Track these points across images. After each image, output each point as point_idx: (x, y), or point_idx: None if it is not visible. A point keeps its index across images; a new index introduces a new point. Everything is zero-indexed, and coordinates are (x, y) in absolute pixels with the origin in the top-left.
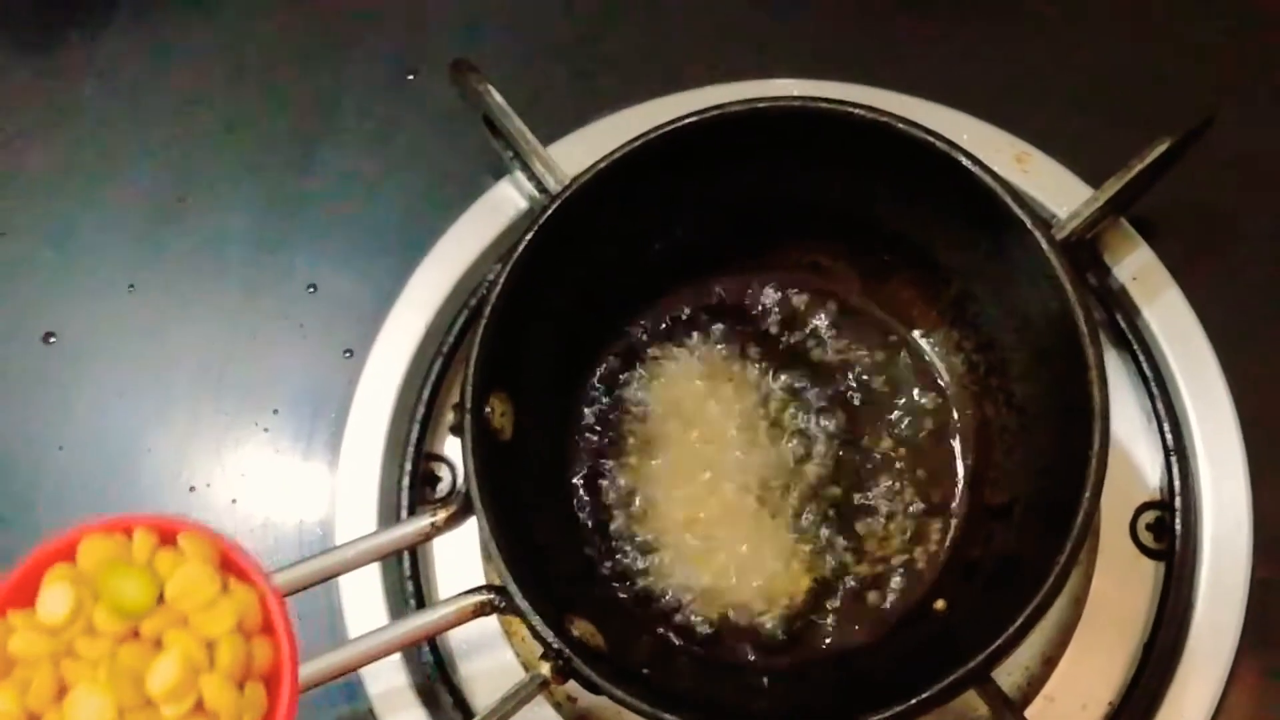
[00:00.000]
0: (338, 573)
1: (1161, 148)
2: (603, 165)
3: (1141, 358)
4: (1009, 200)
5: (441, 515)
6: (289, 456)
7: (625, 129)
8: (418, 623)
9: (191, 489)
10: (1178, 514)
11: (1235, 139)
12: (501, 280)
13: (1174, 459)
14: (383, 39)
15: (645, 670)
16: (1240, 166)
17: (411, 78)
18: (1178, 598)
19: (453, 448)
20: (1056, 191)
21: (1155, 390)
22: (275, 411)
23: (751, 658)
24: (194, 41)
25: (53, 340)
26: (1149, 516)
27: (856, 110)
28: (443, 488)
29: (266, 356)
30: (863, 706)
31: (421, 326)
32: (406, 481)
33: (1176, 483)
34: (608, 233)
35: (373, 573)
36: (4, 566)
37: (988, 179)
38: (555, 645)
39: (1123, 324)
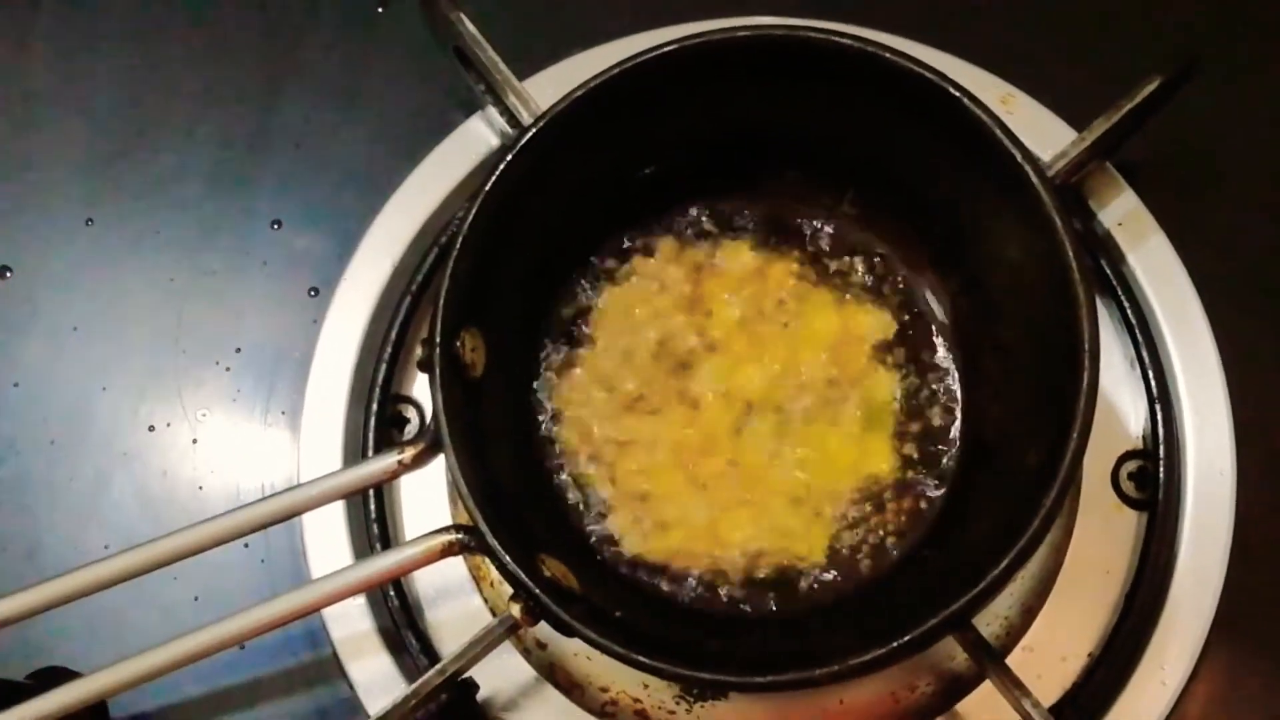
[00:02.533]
0: (301, 510)
1: (1151, 87)
2: (578, 94)
3: (1126, 304)
4: (998, 132)
5: (409, 453)
6: (251, 396)
7: (601, 65)
8: (384, 562)
9: (151, 429)
10: (1161, 463)
11: (1221, 86)
12: (474, 210)
13: (1157, 407)
14: None
15: (618, 614)
16: (1227, 113)
17: (381, 10)
18: (1160, 548)
19: (421, 390)
20: (1041, 135)
21: (1139, 337)
22: (238, 350)
23: (727, 604)
24: None
25: (8, 275)
26: (1131, 466)
27: (841, 40)
28: (410, 430)
29: (228, 294)
30: (843, 652)
31: (389, 265)
32: (373, 423)
33: (1160, 431)
34: (583, 164)
35: (337, 516)
36: None
37: (977, 111)
38: (525, 584)
39: (1107, 270)
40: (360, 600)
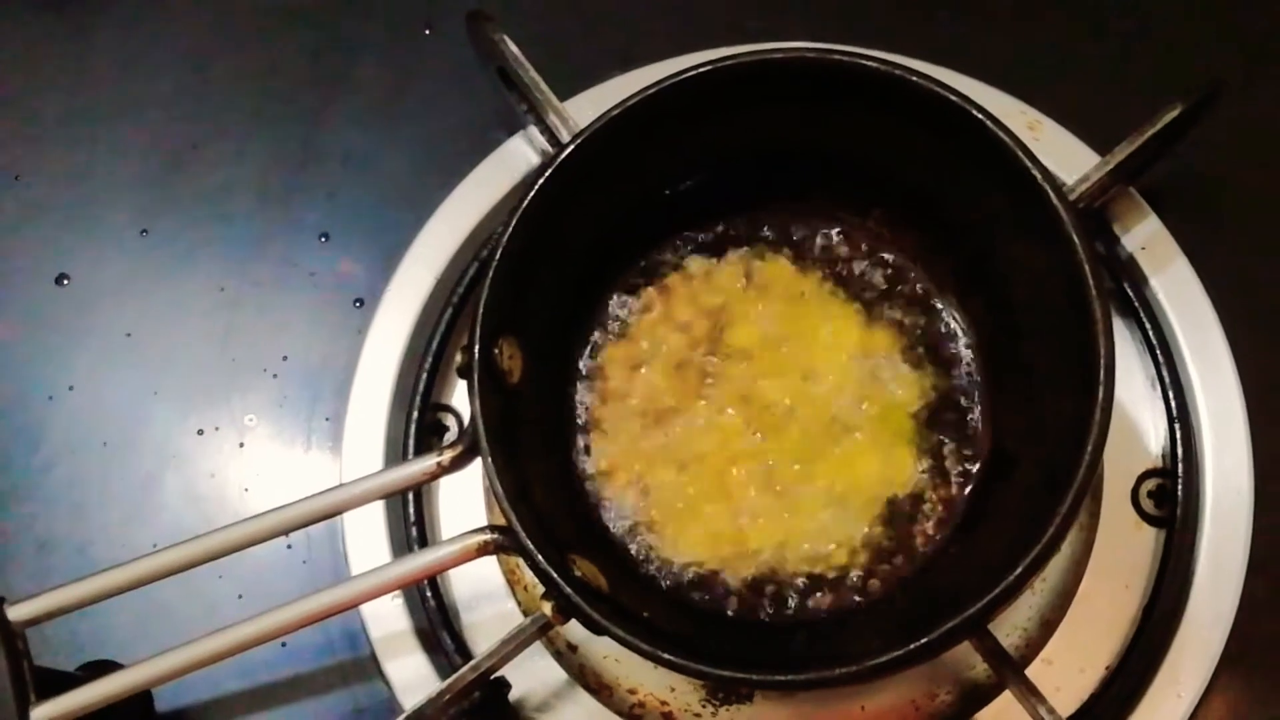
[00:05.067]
0: (344, 509)
1: (1172, 113)
2: (616, 111)
3: (1148, 326)
4: (1017, 151)
5: (448, 455)
6: (297, 403)
7: (638, 87)
8: (422, 560)
9: (200, 432)
10: (1179, 481)
11: (1247, 112)
12: (513, 223)
13: (1177, 427)
14: None
15: (645, 615)
16: (1249, 140)
17: (428, 32)
18: (1178, 565)
19: (459, 398)
20: (1068, 160)
21: (1160, 358)
22: (284, 358)
23: (752, 608)
24: None
25: (66, 283)
26: (1151, 484)
27: (870, 63)
28: (449, 438)
29: (276, 304)
30: (863, 655)
31: (431, 278)
32: (413, 430)
33: (1179, 451)
34: (620, 180)
35: (377, 519)
36: (13, 502)
37: (1000, 134)
38: (557, 583)
39: (1130, 293)
40: (398, 601)
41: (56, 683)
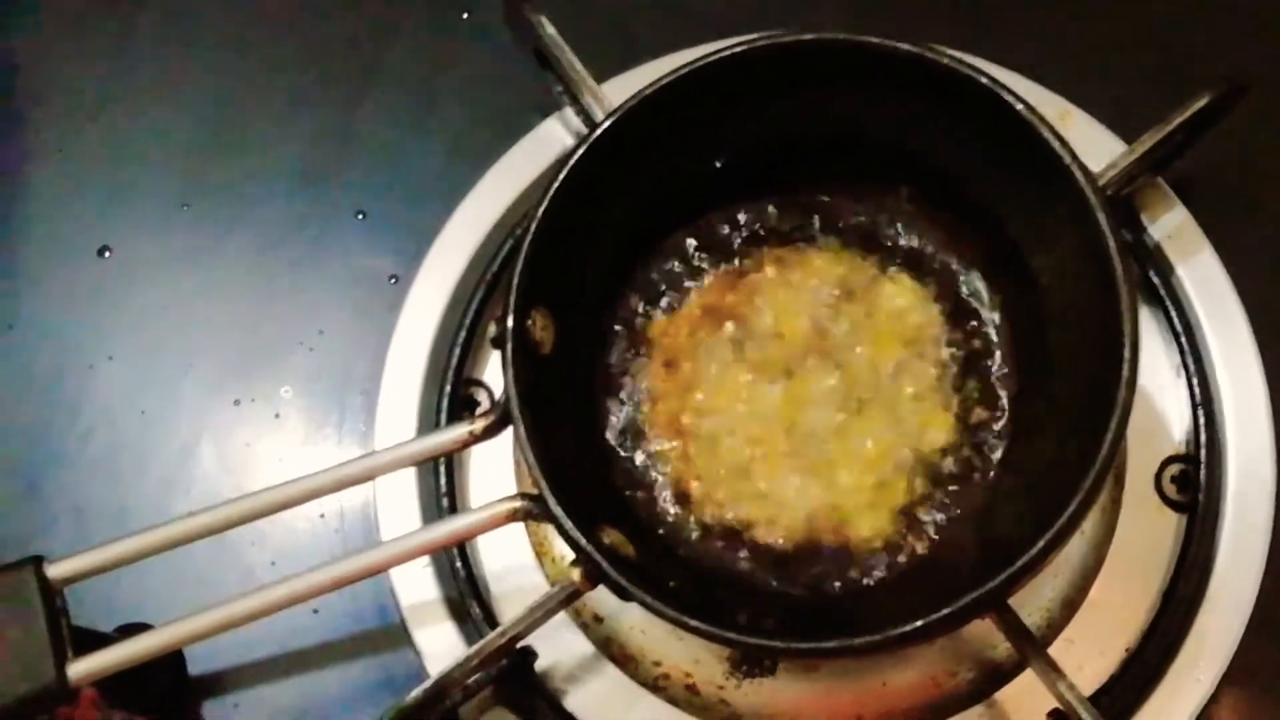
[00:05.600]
0: (378, 473)
1: (1200, 103)
2: (650, 91)
3: (1173, 313)
4: (1052, 139)
5: (480, 424)
6: (332, 376)
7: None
8: (453, 525)
9: (236, 402)
10: (1202, 467)
11: (1275, 103)
12: (548, 196)
13: (1201, 414)
14: None
15: (671, 584)
16: (1277, 130)
17: (465, 16)
18: (1199, 550)
19: (491, 373)
20: (1096, 149)
21: (1185, 346)
22: (320, 332)
23: (779, 579)
24: None
25: (107, 255)
26: (1174, 469)
27: (903, 47)
28: (480, 410)
29: (313, 279)
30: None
31: (465, 256)
32: (445, 403)
33: (1203, 437)
34: (653, 158)
35: (409, 487)
36: (53, 469)
37: (1033, 118)
38: (585, 549)
39: (1156, 280)
40: (429, 570)
41: (92, 641)
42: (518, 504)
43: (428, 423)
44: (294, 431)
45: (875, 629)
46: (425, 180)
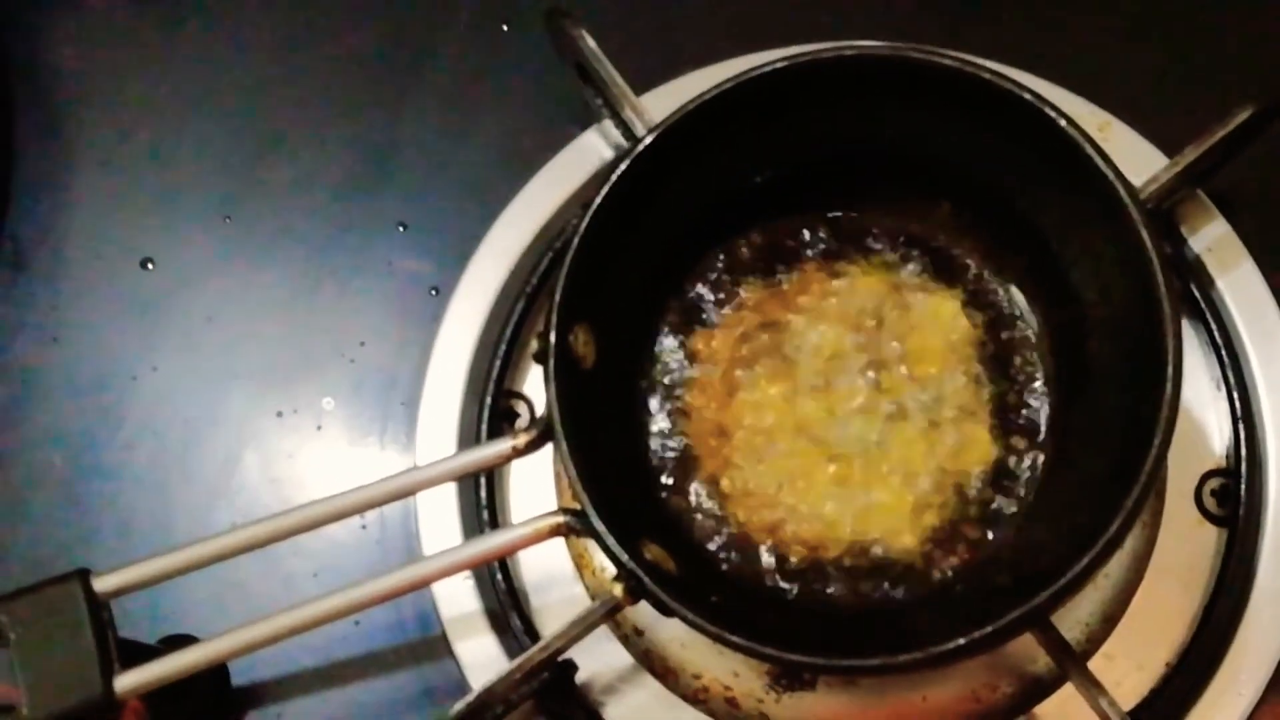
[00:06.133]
0: (420, 488)
1: (1243, 116)
2: (692, 106)
3: (1214, 327)
4: (1093, 153)
5: (522, 439)
6: (374, 387)
7: (712, 83)
8: (496, 541)
9: (279, 414)
10: (1243, 481)
11: None
12: (590, 212)
13: (1241, 428)
14: None
15: (713, 599)
16: None
17: (505, 28)
18: (1239, 564)
19: (531, 386)
20: (1137, 162)
21: (1225, 360)
22: (362, 344)
23: (820, 594)
24: None
25: (150, 266)
26: (1214, 483)
27: (945, 61)
28: (520, 423)
29: (354, 291)
30: (925, 644)
31: (505, 269)
32: (486, 415)
33: (1243, 451)
34: (695, 173)
35: (450, 501)
36: (97, 479)
37: (1074, 133)
38: (628, 565)
39: (1197, 294)
40: (470, 583)
41: (138, 654)
42: (560, 519)
43: (468, 434)
44: (336, 442)
45: (917, 645)
46: (466, 191)
